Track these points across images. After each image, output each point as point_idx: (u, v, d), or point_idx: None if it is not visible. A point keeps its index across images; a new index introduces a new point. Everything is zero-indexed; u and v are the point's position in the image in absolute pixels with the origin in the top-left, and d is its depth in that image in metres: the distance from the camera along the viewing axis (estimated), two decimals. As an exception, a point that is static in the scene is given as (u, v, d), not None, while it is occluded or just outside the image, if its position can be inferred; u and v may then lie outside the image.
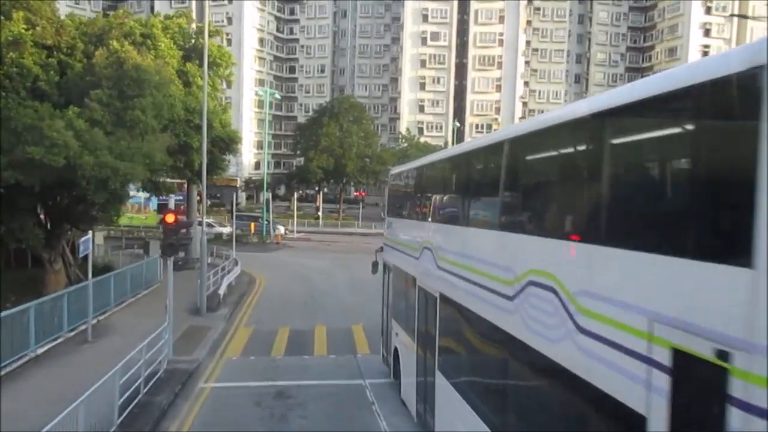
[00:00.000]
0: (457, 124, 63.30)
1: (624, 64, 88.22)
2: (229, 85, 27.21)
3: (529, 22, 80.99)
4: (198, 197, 57.44)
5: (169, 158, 21.02)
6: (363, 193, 68.09)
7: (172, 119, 20.74)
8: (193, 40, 25.37)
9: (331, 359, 16.26)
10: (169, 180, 28.24)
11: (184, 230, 14.66)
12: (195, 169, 23.79)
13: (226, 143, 26.37)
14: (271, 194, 65.22)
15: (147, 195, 57.57)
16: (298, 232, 52.81)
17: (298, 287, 26.94)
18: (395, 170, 14.45)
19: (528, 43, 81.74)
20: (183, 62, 24.20)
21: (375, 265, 14.76)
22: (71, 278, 22.02)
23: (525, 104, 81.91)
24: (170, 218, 13.71)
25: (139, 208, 57.58)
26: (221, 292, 22.07)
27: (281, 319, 20.57)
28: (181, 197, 57.93)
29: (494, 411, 6.78)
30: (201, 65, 24.56)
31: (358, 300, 23.52)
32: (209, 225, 48.67)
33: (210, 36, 25.35)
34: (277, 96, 52.05)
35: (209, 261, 34.33)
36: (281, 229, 50.19)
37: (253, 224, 49.85)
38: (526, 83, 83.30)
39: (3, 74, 18.08)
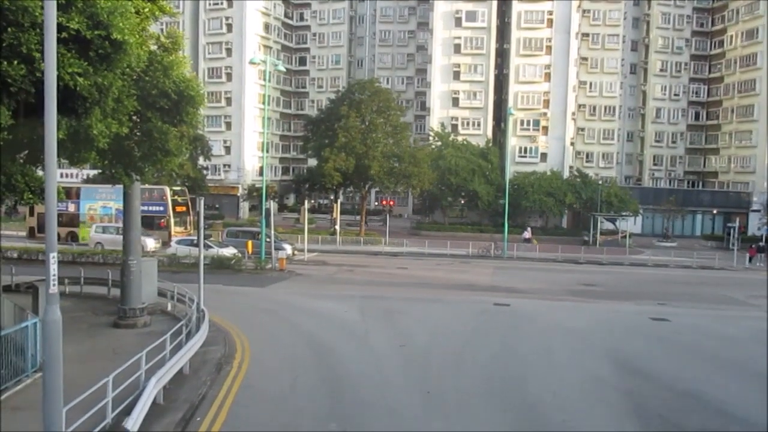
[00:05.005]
0: (512, 112, 50.48)
1: (689, 51, 75.46)
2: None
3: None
4: (160, 201, 45.22)
5: None
6: (391, 203, 55.39)
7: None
8: None
9: None
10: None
11: None
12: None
13: (173, 102, 13.87)
14: (276, 204, 53.00)
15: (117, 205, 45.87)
16: (309, 251, 40.29)
17: (313, 384, 14.01)
18: None
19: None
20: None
21: None
22: None
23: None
24: None
25: (110, 220, 45.28)
26: (131, 427, 9.31)
27: None
28: (160, 206, 45.81)
29: None
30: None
31: None
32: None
33: None
34: (281, 67, 39.73)
35: (168, 309, 21.70)
36: (288, 249, 37.63)
37: (250, 243, 37.33)
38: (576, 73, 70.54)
39: None
